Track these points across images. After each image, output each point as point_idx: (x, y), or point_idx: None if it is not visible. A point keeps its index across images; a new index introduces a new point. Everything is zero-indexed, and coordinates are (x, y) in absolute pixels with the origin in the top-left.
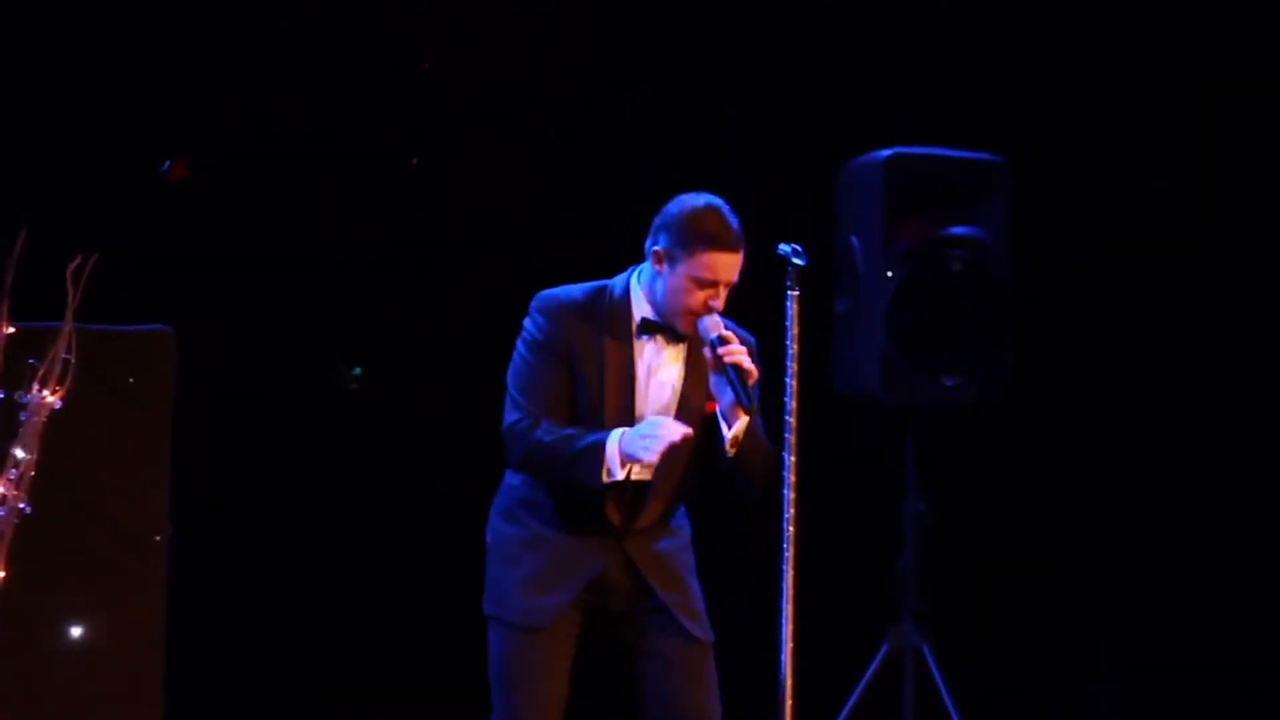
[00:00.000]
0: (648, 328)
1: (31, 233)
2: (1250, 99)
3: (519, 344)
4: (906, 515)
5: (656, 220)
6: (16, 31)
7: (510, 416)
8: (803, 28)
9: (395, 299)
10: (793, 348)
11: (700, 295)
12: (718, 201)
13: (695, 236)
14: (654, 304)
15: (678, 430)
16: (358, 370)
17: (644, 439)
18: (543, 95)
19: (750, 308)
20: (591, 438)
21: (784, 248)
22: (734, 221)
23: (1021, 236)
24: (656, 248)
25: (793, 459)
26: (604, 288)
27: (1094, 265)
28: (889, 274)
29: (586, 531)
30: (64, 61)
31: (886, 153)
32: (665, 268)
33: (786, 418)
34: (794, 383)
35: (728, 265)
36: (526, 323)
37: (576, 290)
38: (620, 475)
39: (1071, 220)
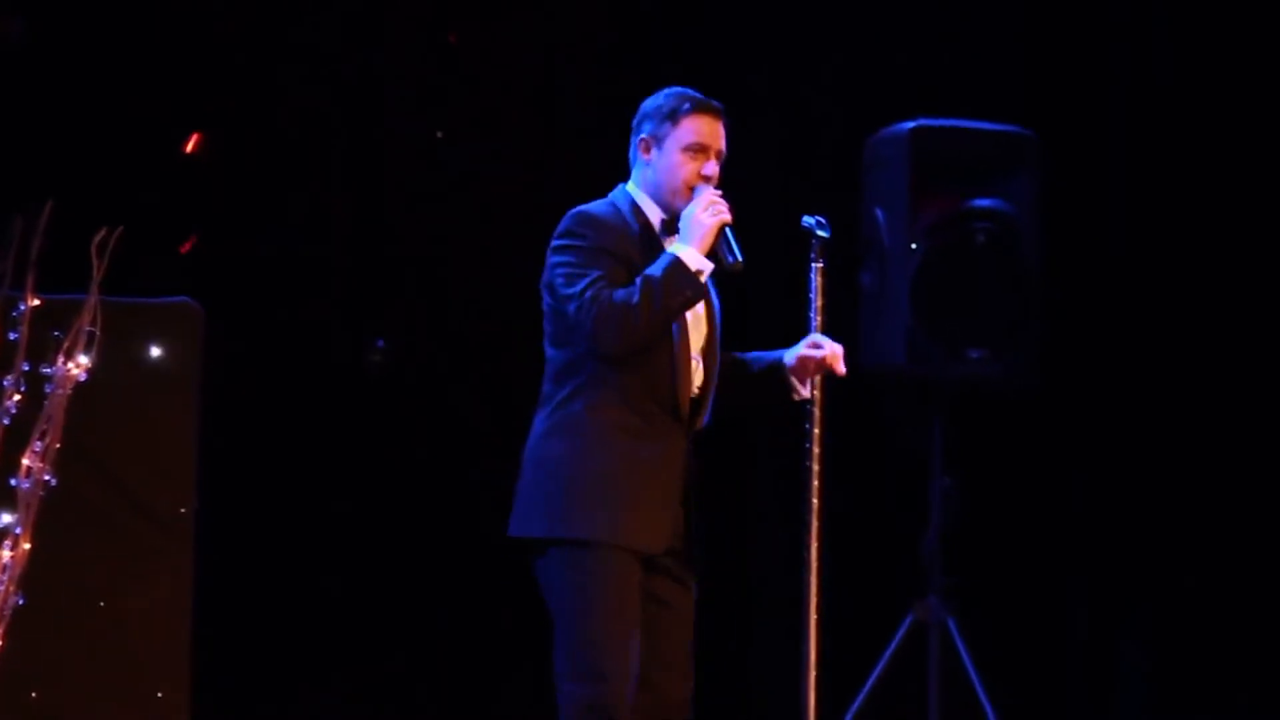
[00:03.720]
0: (669, 227)
1: (57, 206)
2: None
3: (567, 256)
4: (932, 489)
5: (634, 121)
6: (44, 7)
7: (589, 314)
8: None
9: (421, 274)
10: (817, 320)
11: (693, 165)
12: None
13: (677, 107)
14: (656, 198)
15: (706, 198)
16: (380, 343)
17: (695, 221)
18: (564, 68)
19: (775, 280)
20: (660, 262)
21: (808, 220)
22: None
23: (1049, 209)
24: (641, 137)
25: (817, 432)
26: (612, 203)
27: (1122, 242)
28: (913, 246)
29: (669, 437)
30: (90, 34)
31: (910, 125)
32: (654, 153)
33: (812, 391)
34: None
35: (714, 130)
36: (568, 240)
37: (600, 206)
38: (708, 266)
39: (1097, 194)
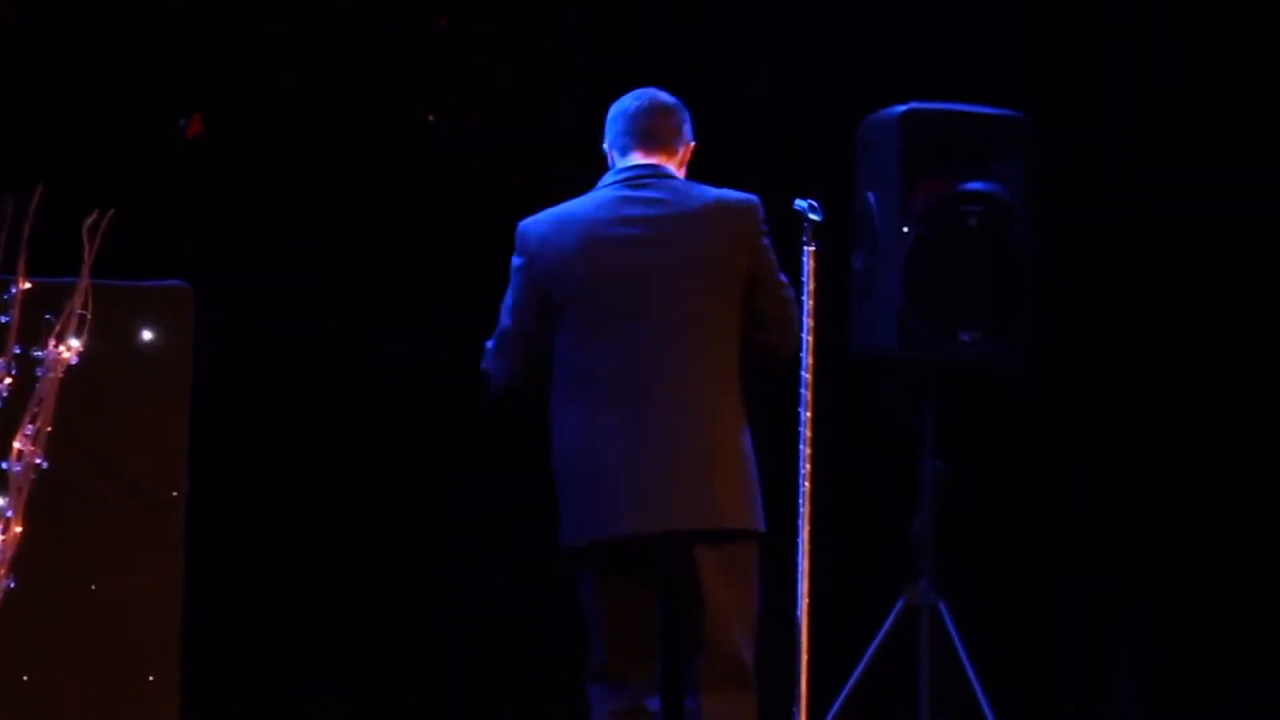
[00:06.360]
0: None
1: (48, 188)
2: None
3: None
4: (923, 473)
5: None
6: None
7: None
8: None
9: (417, 260)
10: (809, 303)
11: None
12: (645, 93)
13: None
14: None
15: None
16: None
17: None
18: (561, 53)
19: None
20: None
21: (800, 203)
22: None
23: (1042, 193)
24: (604, 146)
25: (809, 415)
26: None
27: (1116, 223)
28: (905, 229)
29: None
30: (81, 15)
31: (902, 108)
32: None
33: (803, 374)
34: (810, 339)
35: None
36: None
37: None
38: None
39: (1091, 178)
